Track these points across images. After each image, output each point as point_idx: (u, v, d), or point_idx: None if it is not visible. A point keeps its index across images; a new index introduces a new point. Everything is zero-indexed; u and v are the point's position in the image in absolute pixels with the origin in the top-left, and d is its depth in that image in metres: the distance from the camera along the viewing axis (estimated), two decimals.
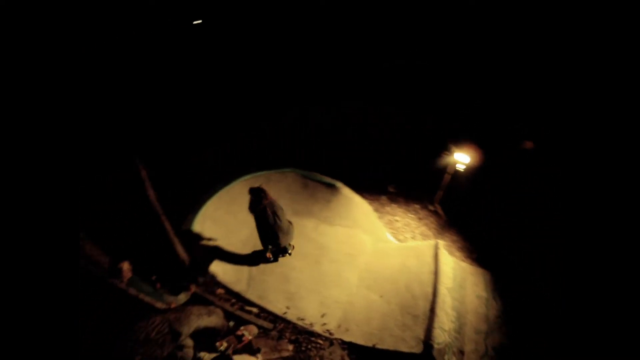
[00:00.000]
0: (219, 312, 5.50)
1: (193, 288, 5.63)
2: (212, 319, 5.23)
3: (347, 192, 8.84)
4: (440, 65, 13.92)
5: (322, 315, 6.52)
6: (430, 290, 6.80)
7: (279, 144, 10.23)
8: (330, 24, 14.33)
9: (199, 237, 7.01)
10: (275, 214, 6.48)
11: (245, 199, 6.80)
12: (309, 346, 5.80)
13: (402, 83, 13.21)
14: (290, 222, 6.94)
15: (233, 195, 7.36)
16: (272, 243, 6.76)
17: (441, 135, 10.19)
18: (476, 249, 8.51)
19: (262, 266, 7.06)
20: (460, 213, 9.35)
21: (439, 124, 11.46)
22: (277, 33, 13.69)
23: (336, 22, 14.37)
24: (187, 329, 4.72)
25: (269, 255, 7.02)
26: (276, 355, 5.41)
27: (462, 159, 8.21)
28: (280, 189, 8.16)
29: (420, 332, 6.12)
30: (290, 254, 7.34)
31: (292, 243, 7.35)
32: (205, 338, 5.02)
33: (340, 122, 11.67)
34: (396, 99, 12.42)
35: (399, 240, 8.44)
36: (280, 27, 13.82)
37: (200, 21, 13.84)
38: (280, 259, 7.28)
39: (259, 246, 7.01)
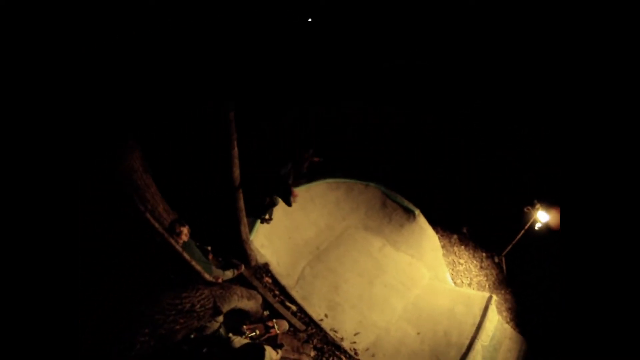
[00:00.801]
0: (259, 298, 5.87)
1: (242, 268, 5.96)
2: (250, 303, 5.57)
3: (422, 222, 8.79)
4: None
5: (356, 334, 6.68)
6: (466, 342, 6.73)
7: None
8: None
9: (267, 222, 7.39)
10: None
11: (322, 201, 7.12)
12: (330, 358, 6.03)
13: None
14: None
15: (312, 194, 7.66)
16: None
17: (529, 186, 9.75)
18: (524, 315, 8.12)
19: (315, 269, 7.35)
20: (523, 273, 8.90)
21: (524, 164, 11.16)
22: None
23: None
24: (227, 307, 5.06)
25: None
26: (296, 356, 5.70)
27: (542, 217, 7.82)
28: (360, 201, 8.36)
29: None
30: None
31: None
32: (234, 317, 5.41)
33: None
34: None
35: (456, 283, 8.29)
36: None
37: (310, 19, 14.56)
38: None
39: (322, 247, 7.33)
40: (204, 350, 4.63)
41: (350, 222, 8.24)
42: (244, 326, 5.45)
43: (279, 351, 5.41)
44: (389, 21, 15.00)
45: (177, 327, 4.06)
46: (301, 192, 7.79)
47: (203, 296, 4.44)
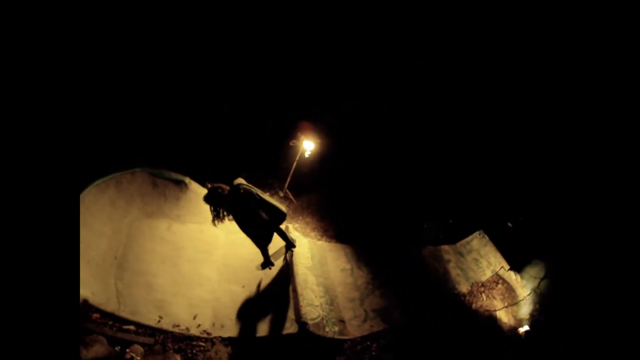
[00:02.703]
0: (102, 339, 5.31)
1: None
2: (96, 349, 5.06)
3: (195, 187, 8.80)
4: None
5: (194, 317, 6.68)
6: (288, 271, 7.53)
7: None
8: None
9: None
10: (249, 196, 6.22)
11: (98, 206, 6.44)
12: (194, 351, 6.01)
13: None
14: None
15: (87, 204, 6.78)
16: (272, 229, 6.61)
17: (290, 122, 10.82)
18: (331, 227, 9.49)
19: (125, 279, 6.75)
20: (311, 197, 10.23)
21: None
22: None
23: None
24: None
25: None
26: None
27: (308, 146, 8.99)
28: (132, 192, 7.76)
29: (290, 313, 6.83)
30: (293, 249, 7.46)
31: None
32: None
33: None
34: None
35: None
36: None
37: None
38: (145, 267, 7.09)
39: (119, 254, 6.77)
40: None
41: (131, 216, 7.67)
42: None
43: None
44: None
45: None
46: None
47: None
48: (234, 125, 11.26)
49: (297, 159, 9.43)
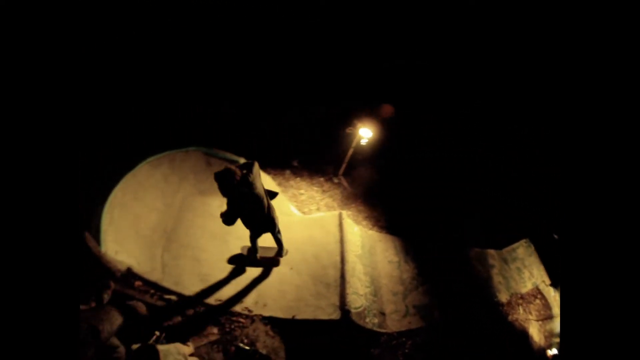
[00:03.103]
0: (141, 305, 5.37)
1: (112, 285, 5.40)
2: (135, 314, 5.12)
3: None
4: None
5: (238, 294, 6.67)
6: (338, 258, 7.29)
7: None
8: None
9: (110, 228, 6.50)
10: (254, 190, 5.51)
11: (151, 181, 6.59)
12: (232, 326, 5.98)
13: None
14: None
15: (140, 179, 7.00)
16: (267, 227, 6.16)
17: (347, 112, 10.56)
18: (383, 217, 9.20)
19: (173, 251, 6.93)
20: (366, 184, 9.98)
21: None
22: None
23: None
24: (109, 326, 4.56)
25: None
26: (204, 341, 5.52)
27: (365, 133, 8.71)
28: (185, 169, 7.97)
29: (335, 299, 6.61)
30: (282, 256, 7.10)
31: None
32: (133, 334, 4.94)
33: None
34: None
35: (304, 212, 8.79)
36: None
37: None
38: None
39: (169, 228, 6.91)
40: None
41: (184, 192, 7.86)
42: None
43: (189, 344, 5.25)
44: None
45: None
46: (128, 180, 7.07)
47: None
48: (289, 109, 11.26)
49: (352, 145, 9.17)
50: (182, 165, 7.98)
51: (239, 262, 7.07)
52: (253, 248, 6.75)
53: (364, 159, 10.29)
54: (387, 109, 11.57)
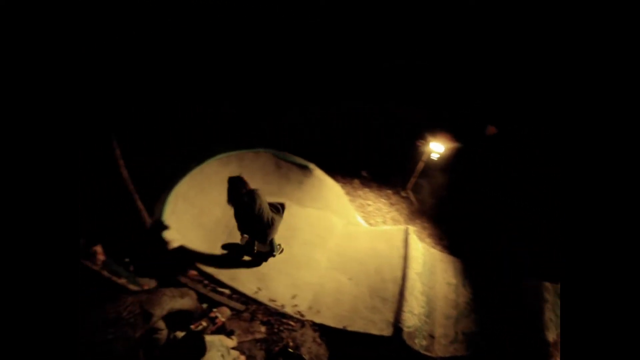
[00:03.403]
0: (192, 294, 5.45)
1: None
2: (185, 301, 5.17)
3: (319, 174, 8.78)
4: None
5: (293, 297, 6.55)
6: (399, 274, 6.94)
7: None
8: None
9: (172, 217, 6.75)
10: (254, 205, 5.79)
11: (219, 178, 6.69)
12: (281, 327, 5.85)
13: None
14: (274, 216, 6.23)
15: (207, 173, 7.22)
16: (257, 237, 6.50)
17: (418, 124, 10.22)
18: (446, 237, 8.75)
19: (233, 247, 7.00)
20: (432, 201, 9.56)
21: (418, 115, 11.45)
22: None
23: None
24: (160, 310, 4.65)
25: (242, 241, 6.97)
26: (249, 337, 5.43)
27: (436, 148, 8.38)
28: (254, 169, 8.07)
29: (389, 315, 6.27)
30: (274, 256, 7.07)
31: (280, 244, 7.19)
32: (179, 320, 4.99)
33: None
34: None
35: (370, 224, 8.57)
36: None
37: None
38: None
39: (231, 224, 6.96)
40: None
41: None
42: (191, 326, 5.05)
43: (233, 337, 5.19)
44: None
45: (110, 337, 4.00)
46: (195, 174, 7.30)
47: (127, 303, 4.39)
48: (363, 120, 11.12)
49: (422, 159, 8.82)
50: (251, 165, 8.11)
51: (233, 250, 7.11)
52: (251, 243, 6.95)
53: (434, 174, 9.83)
54: (491, 130, 11.17)
